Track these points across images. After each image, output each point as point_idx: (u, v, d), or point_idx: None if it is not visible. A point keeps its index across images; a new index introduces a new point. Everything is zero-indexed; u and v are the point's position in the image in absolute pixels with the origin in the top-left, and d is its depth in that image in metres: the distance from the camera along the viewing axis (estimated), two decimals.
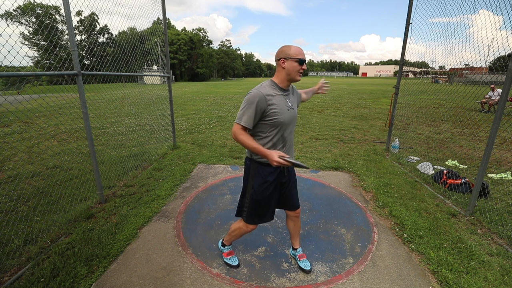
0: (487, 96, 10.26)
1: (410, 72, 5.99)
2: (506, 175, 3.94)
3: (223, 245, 2.26)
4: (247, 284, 2.00)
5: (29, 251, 2.26)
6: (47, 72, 2.43)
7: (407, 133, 6.60)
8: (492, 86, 9.73)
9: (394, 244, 2.47)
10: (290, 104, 1.77)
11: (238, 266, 2.18)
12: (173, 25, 78.64)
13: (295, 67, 1.68)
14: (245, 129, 1.69)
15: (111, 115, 8.85)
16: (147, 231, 2.65)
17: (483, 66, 3.13)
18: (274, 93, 1.69)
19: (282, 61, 1.69)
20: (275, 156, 1.57)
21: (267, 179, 1.81)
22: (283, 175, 1.89)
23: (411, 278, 2.06)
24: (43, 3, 2.81)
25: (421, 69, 5.44)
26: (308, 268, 2.11)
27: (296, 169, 4.50)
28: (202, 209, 3.09)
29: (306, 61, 1.74)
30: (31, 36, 37.01)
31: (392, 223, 2.82)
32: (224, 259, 2.21)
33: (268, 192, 1.84)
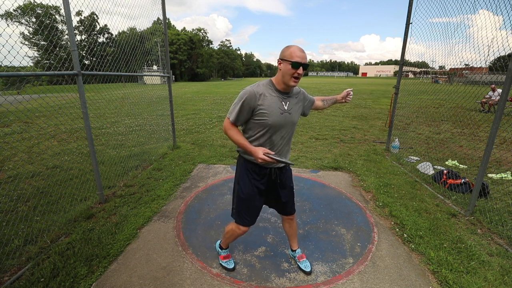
0: (487, 96, 10.26)
1: (410, 72, 5.99)
2: (506, 175, 3.94)
3: (221, 247, 2.24)
4: (247, 284, 2.01)
5: (29, 251, 2.26)
6: (47, 72, 2.43)
7: (407, 133, 6.60)
8: (493, 86, 9.71)
9: (394, 244, 2.47)
10: (285, 108, 1.66)
11: (233, 269, 2.14)
12: (173, 25, 78.69)
13: (288, 70, 1.55)
14: (234, 124, 1.67)
15: (111, 115, 8.85)
16: (147, 231, 2.65)
17: (483, 66, 3.13)
18: (268, 94, 1.61)
19: (279, 61, 1.60)
20: (260, 153, 1.56)
21: (254, 177, 1.78)
22: (271, 177, 1.82)
23: (411, 278, 2.06)
24: (43, 3, 2.82)
25: (421, 69, 5.44)
26: (308, 269, 2.11)
27: (296, 169, 4.47)
28: (202, 209, 3.09)
29: (307, 63, 1.59)
30: (31, 36, 36.97)
31: (392, 223, 2.82)
32: (220, 261, 2.20)
33: (253, 190, 1.80)
